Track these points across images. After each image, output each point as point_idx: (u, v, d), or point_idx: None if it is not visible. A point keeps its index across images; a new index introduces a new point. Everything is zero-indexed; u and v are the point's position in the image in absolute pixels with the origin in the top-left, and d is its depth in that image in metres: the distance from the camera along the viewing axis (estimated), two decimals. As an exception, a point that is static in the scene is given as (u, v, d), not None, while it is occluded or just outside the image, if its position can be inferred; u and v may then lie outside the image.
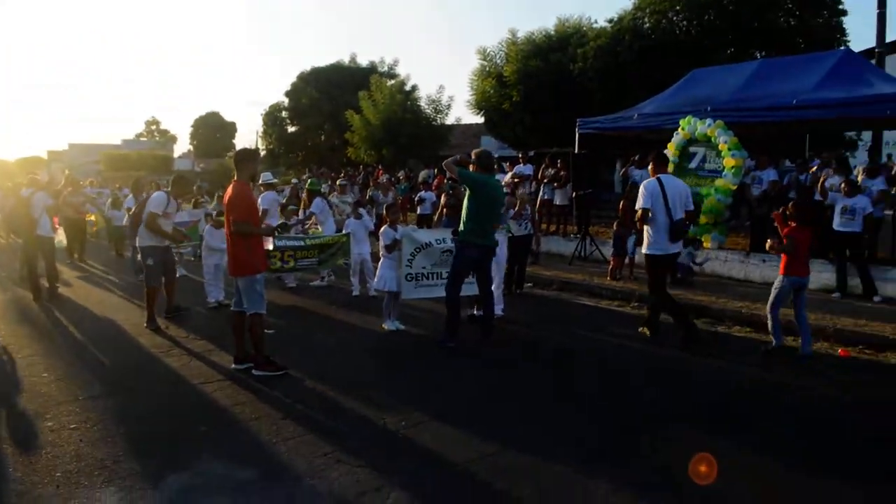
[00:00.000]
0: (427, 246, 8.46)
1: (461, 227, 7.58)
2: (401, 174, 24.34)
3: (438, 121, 30.22)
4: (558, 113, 20.86)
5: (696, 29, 19.91)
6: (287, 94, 41.65)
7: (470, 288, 7.97)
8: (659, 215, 7.63)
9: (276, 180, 13.03)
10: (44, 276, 10.81)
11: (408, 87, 31.00)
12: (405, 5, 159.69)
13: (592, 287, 11.16)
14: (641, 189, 7.80)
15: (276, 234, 8.19)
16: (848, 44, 19.46)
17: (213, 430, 5.07)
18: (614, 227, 12.09)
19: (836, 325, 8.20)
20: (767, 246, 7.59)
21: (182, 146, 77.77)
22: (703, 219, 12.50)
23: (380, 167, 26.80)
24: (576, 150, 15.67)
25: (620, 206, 12.48)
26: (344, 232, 10.82)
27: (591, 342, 7.97)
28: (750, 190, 12.71)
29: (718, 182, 12.40)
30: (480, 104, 25.74)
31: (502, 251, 9.10)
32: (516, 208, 9.89)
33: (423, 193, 17.92)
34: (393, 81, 31.83)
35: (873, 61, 14.75)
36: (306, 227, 11.86)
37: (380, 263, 8.48)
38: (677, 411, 5.60)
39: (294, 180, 21.41)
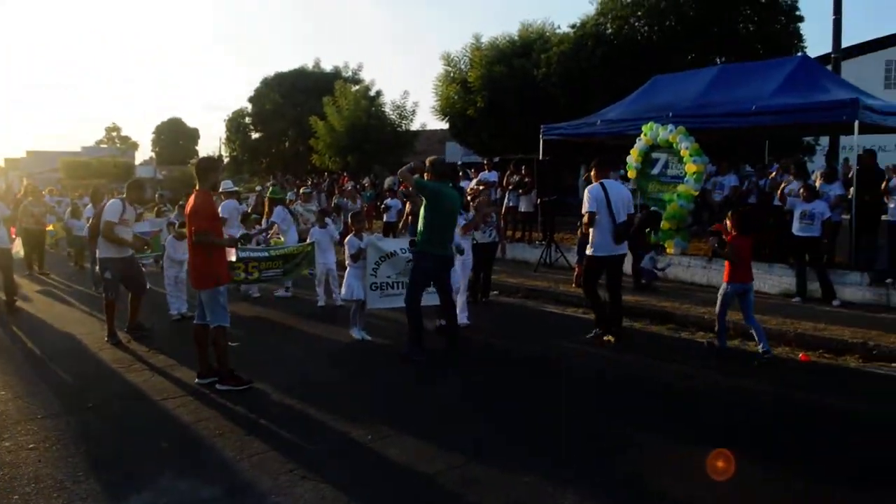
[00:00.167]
0: (392, 255, 8.41)
1: (418, 237, 7.47)
2: (366, 181, 24.19)
3: (403, 127, 30.09)
4: (523, 119, 20.90)
5: (658, 34, 20.13)
6: (250, 99, 41.14)
7: (434, 297, 7.85)
8: (603, 219, 7.85)
9: (237, 188, 12.82)
10: (1, 290, 10.54)
11: (372, 93, 30.98)
12: (369, 10, 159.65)
13: (558, 294, 11.20)
14: (586, 194, 8.01)
15: (239, 244, 8.09)
16: (805, 49, 20.01)
17: (175, 447, 4.99)
18: (578, 234, 12.13)
19: (797, 330, 8.35)
20: (708, 244, 7.87)
21: (144, 153, 76.75)
22: (665, 224, 12.66)
23: (345, 174, 26.66)
24: (540, 157, 15.74)
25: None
26: (308, 241, 10.70)
27: (558, 350, 7.99)
28: (712, 195, 12.90)
29: (681, 188, 12.57)
30: (445, 110, 25.71)
31: (468, 257, 9.08)
32: (476, 218, 9.58)
33: (388, 201, 17.69)
34: (357, 87, 31.73)
35: (829, 66, 15.11)
36: (268, 236, 11.72)
37: (346, 273, 8.42)
38: (644, 419, 5.64)
39: (258, 188, 21.20)
